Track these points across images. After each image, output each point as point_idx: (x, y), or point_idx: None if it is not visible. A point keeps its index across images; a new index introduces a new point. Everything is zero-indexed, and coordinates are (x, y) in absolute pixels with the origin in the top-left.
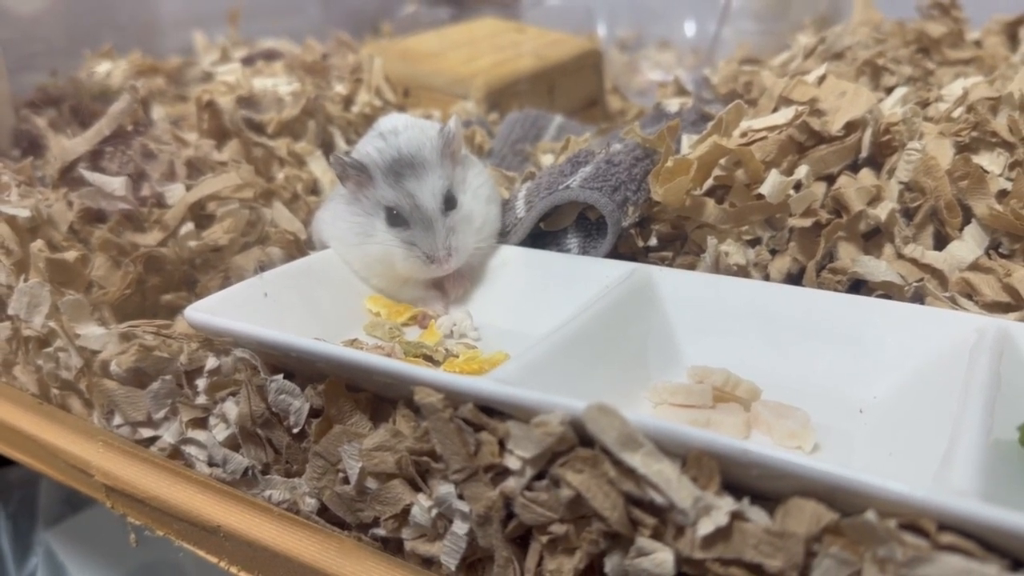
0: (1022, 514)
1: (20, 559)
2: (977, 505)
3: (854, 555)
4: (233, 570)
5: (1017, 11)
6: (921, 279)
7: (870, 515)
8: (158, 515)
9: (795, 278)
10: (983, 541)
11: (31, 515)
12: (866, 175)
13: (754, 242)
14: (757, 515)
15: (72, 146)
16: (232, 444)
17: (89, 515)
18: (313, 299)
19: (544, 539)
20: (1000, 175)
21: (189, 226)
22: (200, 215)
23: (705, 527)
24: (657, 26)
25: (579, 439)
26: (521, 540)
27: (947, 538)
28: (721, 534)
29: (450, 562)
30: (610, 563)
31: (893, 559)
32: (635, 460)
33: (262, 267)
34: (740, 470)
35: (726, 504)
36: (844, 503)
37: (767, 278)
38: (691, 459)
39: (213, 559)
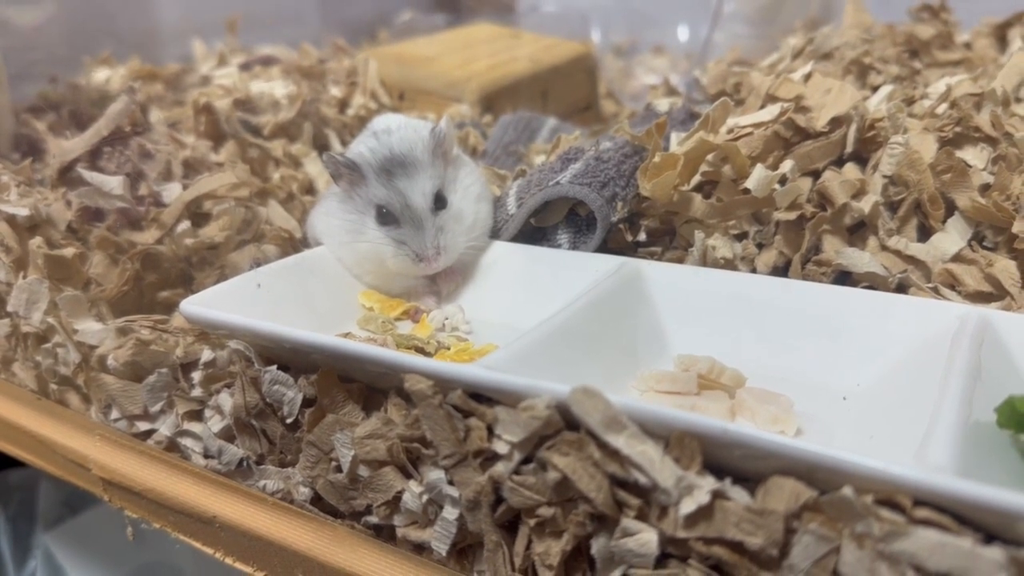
0: (994, 488)
1: (19, 561)
2: (950, 480)
3: (833, 531)
4: (229, 560)
5: (1007, 13)
6: (905, 270)
7: (847, 491)
8: (155, 507)
9: (781, 271)
10: (959, 516)
11: (30, 517)
12: (851, 170)
13: (741, 236)
14: (738, 494)
15: (71, 146)
16: (227, 435)
17: (88, 517)
18: (307, 294)
19: (532, 522)
20: (983, 169)
21: (186, 224)
22: (196, 213)
23: (687, 506)
24: (651, 32)
25: (565, 423)
26: (510, 524)
27: (923, 513)
28: (703, 513)
29: (441, 547)
30: (596, 545)
31: (870, 534)
32: (619, 442)
33: (257, 264)
34: (723, 451)
35: (708, 483)
36: (824, 482)
37: (754, 271)
38: (673, 440)
39: (209, 550)
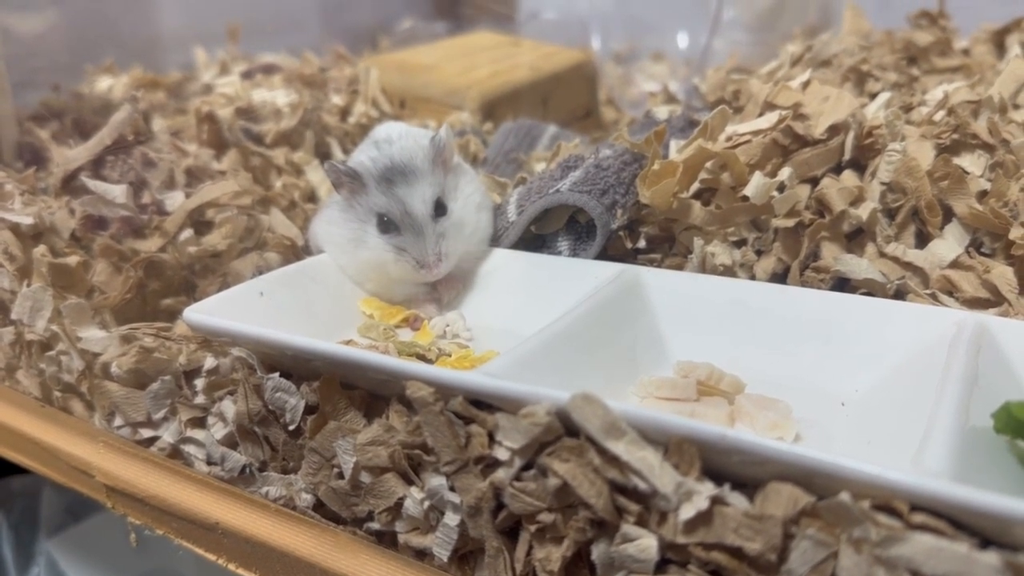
0: (989, 493)
1: (22, 568)
2: (947, 485)
3: (830, 536)
4: (231, 567)
5: (1005, 19)
6: (903, 277)
7: (844, 496)
8: (158, 514)
9: (780, 277)
10: (955, 521)
11: (33, 524)
12: (849, 177)
13: (740, 243)
14: (737, 500)
15: (74, 155)
16: (230, 442)
17: (91, 524)
18: (308, 301)
19: (533, 528)
20: (980, 176)
21: (188, 232)
22: (199, 222)
23: (687, 512)
24: (651, 39)
25: (565, 429)
26: (511, 531)
27: (919, 518)
28: (702, 518)
29: (442, 553)
30: (597, 551)
31: (868, 539)
32: (619, 448)
33: (260, 272)
34: (721, 457)
35: (707, 489)
36: (822, 487)
37: (753, 278)
38: (673, 446)
39: (211, 556)
